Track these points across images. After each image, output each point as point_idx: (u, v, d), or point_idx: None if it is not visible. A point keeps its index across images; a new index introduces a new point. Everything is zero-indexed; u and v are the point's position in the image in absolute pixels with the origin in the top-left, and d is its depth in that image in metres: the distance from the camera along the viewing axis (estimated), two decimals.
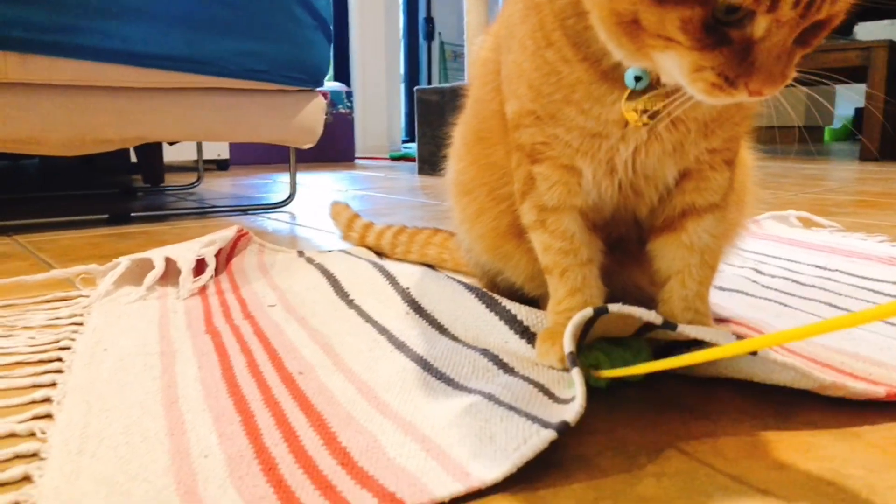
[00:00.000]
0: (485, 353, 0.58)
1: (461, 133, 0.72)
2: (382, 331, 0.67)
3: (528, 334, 0.60)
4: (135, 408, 0.49)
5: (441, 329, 0.66)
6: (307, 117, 1.65)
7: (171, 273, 0.86)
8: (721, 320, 0.69)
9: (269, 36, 1.52)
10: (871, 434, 0.46)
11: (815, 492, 0.39)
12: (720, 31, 0.38)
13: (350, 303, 0.76)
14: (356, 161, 3.99)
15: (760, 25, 0.37)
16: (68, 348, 0.63)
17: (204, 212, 1.73)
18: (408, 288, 0.75)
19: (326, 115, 3.75)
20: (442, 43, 5.30)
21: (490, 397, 0.48)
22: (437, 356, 0.59)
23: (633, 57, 0.44)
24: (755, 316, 0.71)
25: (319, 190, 2.33)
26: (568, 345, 0.48)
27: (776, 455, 0.44)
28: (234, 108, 1.54)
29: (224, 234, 0.99)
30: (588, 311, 0.49)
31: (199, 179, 2.39)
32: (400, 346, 0.62)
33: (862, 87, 3.24)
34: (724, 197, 0.57)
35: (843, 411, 0.49)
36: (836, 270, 0.91)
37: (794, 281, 0.87)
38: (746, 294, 0.81)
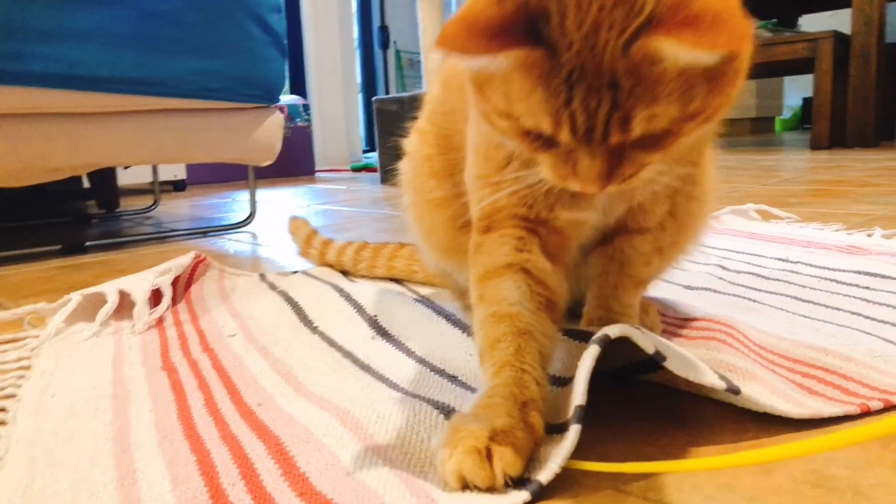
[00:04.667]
0: (453, 378, 0.57)
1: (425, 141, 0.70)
2: (347, 354, 0.65)
3: None
4: (83, 460, 0.46)
5: (409, 352, 0.65)
6: (265, 134, 1.62)
7: (125, 306, 0.83)
8: (691, 319, 0.69)
9: (222, 53, 1.48)
10: (854, 432, 0.46)
11: (802, 496, 0.39)
12: (543, 139, 0.42)
13: (314, 329, 0.74)
14: (317, 174, 3.95)
15: (563, 142, 0.41)
16: (13, 396, 0.59)
17: (162, 236, 1.68)
18: (375, 315, 0.73)
19: (284, 129, 3.72)
20: (398, 51, 5.29)
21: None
22: (403, 378, 0.57)
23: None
24: (725, 313, 0.70)
25: (281, 207, 2.29)
26: (579, 396, 0.42)
27: (759, 457, 0.43)
28: (189, 129, 1.50)
29: (180, 260, 0.96)
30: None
31: (155, 203, 2.33)
32: (365, 368, 0.61)
33: (809, 78, 3.32)
34: (662, 224, 0.58)
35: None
36: (798, 262, 0.92)
37: (758, 276, 0.87)
38: (714, 291, 0.81)
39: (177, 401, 0.56)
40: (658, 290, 0.80)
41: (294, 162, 3.78)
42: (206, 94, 1.46)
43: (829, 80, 3.18)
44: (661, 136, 0.40)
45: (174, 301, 0.87)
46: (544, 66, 0.39)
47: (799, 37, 3.30)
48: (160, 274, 0.89)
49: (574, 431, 0.40)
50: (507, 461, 0.39)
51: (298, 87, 4.70)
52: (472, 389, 0.55)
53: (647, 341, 0.45)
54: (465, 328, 0.63)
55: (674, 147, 0.42)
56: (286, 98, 4.07)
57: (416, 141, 0.71)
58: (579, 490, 0.41)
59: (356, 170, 3.98)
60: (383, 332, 0.70)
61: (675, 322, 0.69)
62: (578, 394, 0.42)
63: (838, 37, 3.19)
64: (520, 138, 0.43)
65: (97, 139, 1.38)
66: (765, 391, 0.49)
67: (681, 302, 0.75)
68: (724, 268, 0.92)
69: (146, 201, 2.45)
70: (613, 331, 0.45)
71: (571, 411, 0.41)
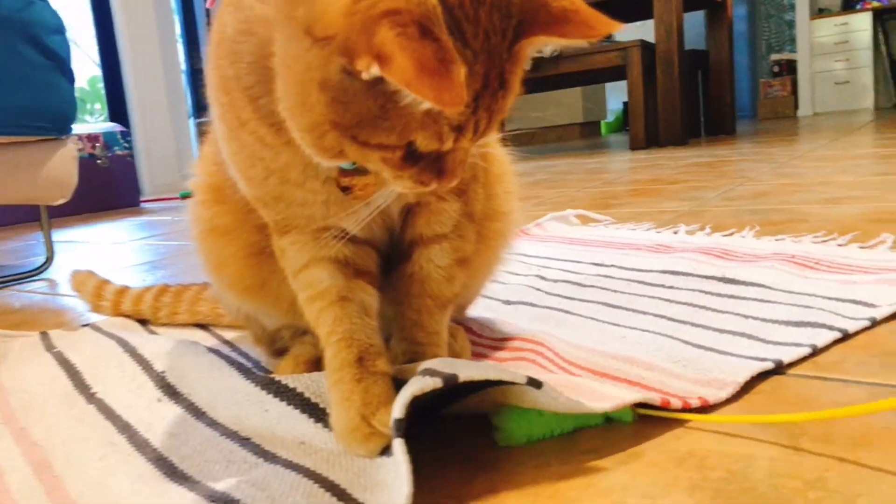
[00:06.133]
0: (245, 442, 0.50)
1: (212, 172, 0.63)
2: (124, 428, 0.56)
3: (289, 396, 0.53)
4: None
5: (198, 413, 0.56)
6: (56, 169, 1.44)
7: None
8: (505, 339, 0.67)
9: None
10: (649, 451, 0.44)
11: None
12: (415, 155, 0.41)
13: (91, 397, 0.63)
14: (143, 205, 3.65)
15: (428, 147, 0.41)
16: None
17: None
18: (163, 371, 0.64)
19: (100, 159, 3.40)
20: None
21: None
22: (185, 454, 0.49)
23: (332, 164, 0.44)
24: (539, 328, 0.69)
25: (94, 246, 2.06)
26: (399, 410, 0.41)
27: (559, 498, 0.40)
28: None
29: None
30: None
31: None
32: (142, 445, 0.52)
33: (625, 84, 3.57)
34: (457, 228, 0.56)
35: (625, 430, 0.48)
36: (612, 266, 0.94)
37: (575, 283, 0.88)
38: (531, 305, 0.80)
39: None
40: (478, 306, 0.77)
41: (115, 194, 3.47)
42: None
43: (641, 85, 3.43)
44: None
45: None
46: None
47: (612, 46, 3.54)
48: None
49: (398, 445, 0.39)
50: (382, 421, 0.45)
51: (119, 114, 4.33)
52: (266, 454, 0.48)
53: (430, 381, 0.42)
54: (260, 381, 0.56)
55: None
56: (101, 126, 3.74)
57: (200, 164, 0.64)
58: None
59: (185, 197, 3.72)
60: (171, 391, 0.61)
61: (489, 343, 0.67)
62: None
63: (645, 45, 3.45)
64: (391, 164, 0.41)
65: None
66: (563, 393, 0.47)
67: (498, 319, 0.73)
68: (542, 277, 0.92)
69: None
70: (404, 395, 0.42)
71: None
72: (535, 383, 0.44)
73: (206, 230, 0.61)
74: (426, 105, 0.36)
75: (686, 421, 0.48)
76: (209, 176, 0.61)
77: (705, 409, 0.49)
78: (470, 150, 0.43)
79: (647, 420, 0.48)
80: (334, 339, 0.51)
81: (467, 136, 0.40)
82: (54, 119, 1.41)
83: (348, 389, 0.48)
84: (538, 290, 0.86)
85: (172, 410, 0.58)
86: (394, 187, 0.44)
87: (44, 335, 0.87)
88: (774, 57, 6.42)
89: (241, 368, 0.61)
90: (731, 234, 1.08)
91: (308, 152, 0.42)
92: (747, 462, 0.42)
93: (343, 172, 0.46)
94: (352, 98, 0.37)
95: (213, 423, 0.54)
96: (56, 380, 0.69)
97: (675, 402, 0.49)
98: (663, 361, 0.57)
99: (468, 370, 0.44)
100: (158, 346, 0.71)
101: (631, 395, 0.48)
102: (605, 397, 0.48)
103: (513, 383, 0.45)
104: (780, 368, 0.55)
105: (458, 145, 0.41)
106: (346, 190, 0.47)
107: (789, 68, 6.23)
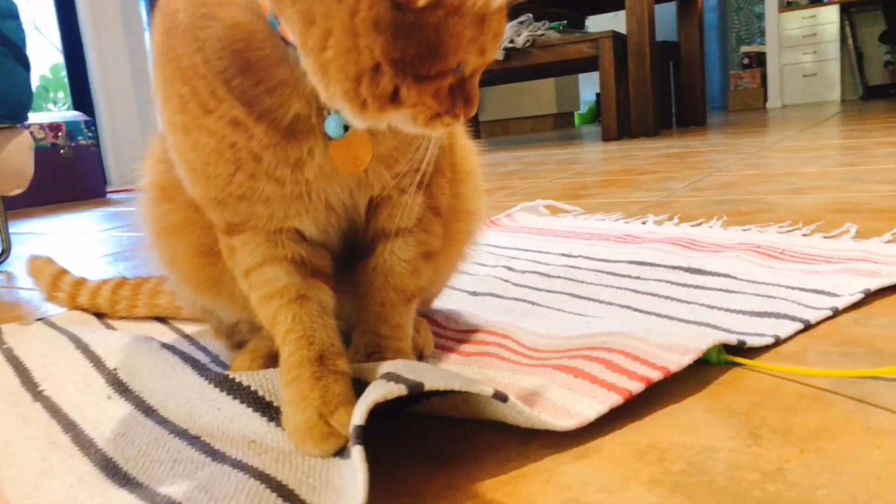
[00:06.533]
0: (194, 440, 0.48)
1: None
2: (69, 427, 0.53)
3: (242, 394, 0.51)
4: None
5: (149, 411, 0.54)
6: (10, 159, 1.39)
7: None
8: (469, 331, 0.66)
9: None
10: (609, 444, 0.44)
11: None
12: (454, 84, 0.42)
13: (38, 394, 0.61)
14: (109, 196, 3.57)
15: (471, 66, 0.42)
16: None
17: None
18: (115, 369, 0.62)
19: (63, 148, 3.32)
20: None
21: None
22: (131, 454, 0.47)
23: (369, 121, 0.42)
24: (504, 320, 0.68)
25: (57, 237, 2.01)
26: (359, 416, 0.40)
27: (517, 495, 0.39)
28: None
29: None
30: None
31: None
32: (86, 445, 0.50)
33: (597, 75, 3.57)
34: (421, 222, 0.55)
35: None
36: (580, 256, 0.94)
37: (542, 274, 0.87)
38: (498, 296, 0.79)
39: None
40: (444, 298, 0.76)
41: (79, 184, 3.38)
42: None
43: (613, 76, 3.44)
44: None
45: None
46: None
47: (584, 37, 3.54)
48: None
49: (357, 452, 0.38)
50: (341, 421, 0.44)
51: (83, 102, 4.23)
52: (215, 453, 0.46)
53: (395, 388, 0.41)
54: (214, 378, 0.55)
55: None
56: (64, 114, 3.65)
57: (148, 163, 0.62)
58: None
59: None
60: (123, 388, 0.59)
61: (453, 336, 0.66)
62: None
63: (617, 36, 3.46)
64: (440, 96, 0.41)
65: None
66: (529, 408, 0.46)
67: (464, 311, 0.72)
68: (510, 269, 0.91)
69: None
70: (366, 400, 0.41)
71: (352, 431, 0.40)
72: (500, 397, 0.43)
73: (157, 228, 0.59)
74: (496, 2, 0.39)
75: (646, 413, 0.47)
76: (157, 175, 0.59)
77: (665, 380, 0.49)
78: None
79: (610, 413, 0.47)
80: (293, 336, 0.49)
81: (498, 44, 0.42)
82: (9, 107, 1.36)
83: (307, 387, 0.46)
84: (505, 281, 0.85)
85: (122, 408, 0.56)
86: (431, 134, 0.44)
87: None
88: (744, 49, 6.49)
89: (196, 365, 0.59)
90: (699, 225, 1.09)
91: (347, 108, 0.40)
92: (708, 454, 0.41)
93: (332, 144, 0.46)
94: (408, 31, 0.38)
95: (163, 422, 0.52)
96: (2, 376, 0.66)
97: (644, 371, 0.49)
98: (625, 331, 0.57)
99: (434, 379, 0.43)
100: (113, 341, 0.68)
101: (594, 412, 0.46)
102: (570, 415, 0.47)
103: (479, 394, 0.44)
104: (742, 347, 0.55)
105: (486, 58, 0.42)
106: (348, 164, 0.47)
107: (759, 60, 6.31)
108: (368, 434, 0.39)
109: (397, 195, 0.53)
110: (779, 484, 0.38)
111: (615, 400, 0.47)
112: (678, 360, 0.50)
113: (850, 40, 5.91)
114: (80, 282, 0.91)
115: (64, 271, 0.93)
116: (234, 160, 0.46)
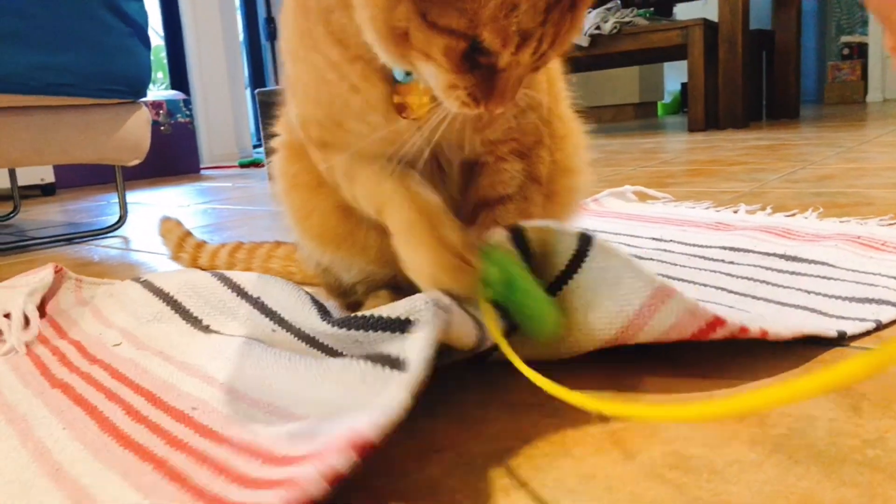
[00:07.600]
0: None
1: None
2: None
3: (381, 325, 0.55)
4: (14, 484, 0.41)
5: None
6: (130, 132, 1.51)
7: None
8: None
9: (75, 46, 1.36)
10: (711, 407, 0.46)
11: (660, 479, 0.38)
12: (473, 59, 0.42)
13: (206, 329, 0.67)
14: (202, 172, 3.76)
15: (504, 59, 0.42)
16: None
17: (23, 245, 1.54)
18: (259, 297, 0.67)
19: (163, 126, 3.52)
20: None
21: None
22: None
23: (397, 62, 0.45)
24: None
25: (160, 208, 2.15)
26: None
27: (623, 445, 0.42)
28: (40, 128, 1.37)
29: (40, 275, 0.87)
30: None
31: (15, 209, 2.13)
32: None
33: (686, 64, 3.49)
34: (522, 190, 0.57)
35: (683, 382, 0.50)
36: (671, 241, 0.95)
37: (635, 256, 0.89)
38: None
39: (90, 415, 0.51)
40: None
41: (176, 160, 3.58)
42: (56, 90, 1.34)
43: (702, 66, 3.35)
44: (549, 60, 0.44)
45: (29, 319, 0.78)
46: None
47: (673, 25, 3.46)
48: (28, 294, 0.79)
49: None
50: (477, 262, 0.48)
51: (180, 83, 4.46)
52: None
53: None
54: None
55: (541, 69, 0.45)
56: (165, 94, 3.86)
57: (282, 123, 0.67)
58: (443, 498, 0.38)
59: (244, 166, 3.82)
60: (281, 322, 0.64)
61: None
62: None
63: (708, 24, 3.37)
64: (450, 58, 0.41)
65: None
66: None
67: None
68: None
69: (6, 208, 2.24)
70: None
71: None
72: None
73: (291, 185, 0.64)
74: None
75: (744, 385, 0.49)
76: (290, 134, 0.64)
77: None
78: (524, 79, 0.44)
79: (705, 373, 0.50)
80: (409, 197, 0.51)
81: (530, 48, 0.41)
82: (131, 83, 1.48)
83: (427, 235, 0.49)
84: None
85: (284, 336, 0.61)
86: (445, 102, 0.44)
87: (137, 280, 0.92)
88: (844, 39, 6.16)
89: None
90: (794, 215, 1.07)
91: (372, 36, 0.43)
92: (808, 422, 0.43)
93: (397, 88, 0.48)
94: None
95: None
96: (164, 314, 0.72)
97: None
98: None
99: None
100: (245, 275, 0.73)
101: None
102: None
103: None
104: (842, 339, 0.56)
105: (517, 57, 0.41)
106: (401, 110, 0.49)
107: (860, 51, 5.98)
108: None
109: (494, 162, 0.56)
110: (878, 450, 0.39)
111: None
112: (777, 331, 0.52)
113: None
114: (201, 244, 0.99)
115: (189, 233, 1.01)
116: (330, 93, 0.51)
